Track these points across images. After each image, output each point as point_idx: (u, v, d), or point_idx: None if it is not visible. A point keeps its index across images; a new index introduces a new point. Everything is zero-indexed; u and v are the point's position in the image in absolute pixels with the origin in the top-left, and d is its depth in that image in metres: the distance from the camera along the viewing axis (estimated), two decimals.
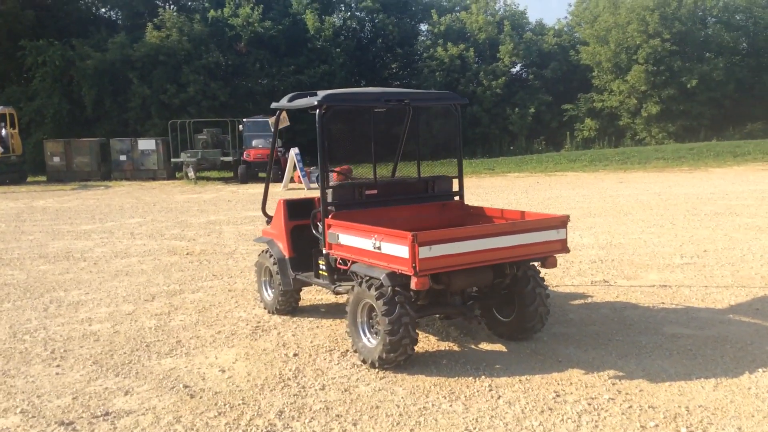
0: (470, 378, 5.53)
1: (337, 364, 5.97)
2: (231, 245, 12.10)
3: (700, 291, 7.89)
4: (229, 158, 26.71)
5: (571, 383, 5.34)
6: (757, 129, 36.33)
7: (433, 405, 5.04)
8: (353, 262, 6.04)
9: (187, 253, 11.42)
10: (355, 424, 4.79)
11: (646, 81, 35.03)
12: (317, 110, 6.36)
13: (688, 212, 14.09)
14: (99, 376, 5.87)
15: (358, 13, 40.43)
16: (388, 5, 39.83)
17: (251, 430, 4.76)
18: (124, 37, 35.68)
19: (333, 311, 7.63)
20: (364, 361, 5.87)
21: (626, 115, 36.58)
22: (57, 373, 5.98)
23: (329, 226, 6.30)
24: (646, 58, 34.90)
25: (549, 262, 6.04)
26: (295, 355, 6.24)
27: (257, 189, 23.02)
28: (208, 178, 28.43)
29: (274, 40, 37.83)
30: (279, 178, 25.23)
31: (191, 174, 26.13)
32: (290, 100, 6.98)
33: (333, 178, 22.99)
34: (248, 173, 25.72)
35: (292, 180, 23.41)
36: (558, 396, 5.10)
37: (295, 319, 7.36)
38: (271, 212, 7.83)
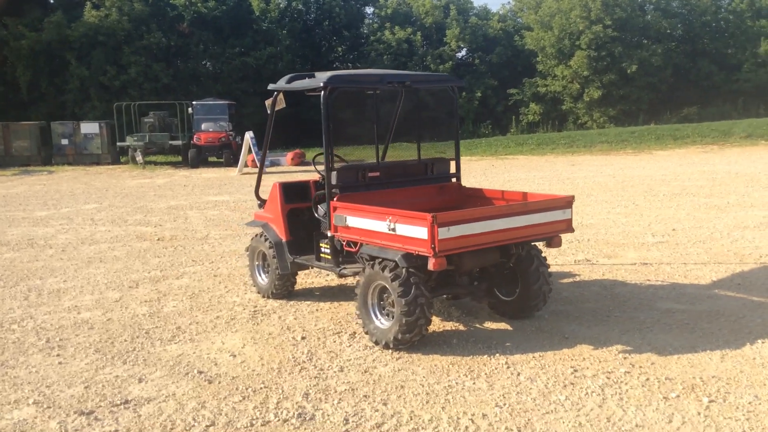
0: (485, 356, 5.62)
1: (349, 346, 5.98)
2: (202, 230, 11.89)
3: (681, 268, 8.20)
4: (178, 142, 26.12)
5: (584, 359, 5.50)
6: (693, 113, 37.67)
7: (456, 383, 5.11)
8: (362, 245, 6.05)
9: (158, 239, 11.17)
10: (385, 404, 4.82)
11: (589, 66, 35.85)
12: (322, 92, 6.30)
13: (647, 193, 14.56)
14: (106, 364, 5.72)
15: None
16: None
17: (282, 413, 4.73)
18: (60, 17, 34.35)
19: (328, 294, 7.62)
20: (376, 343, 5.89)
21: (569, 99, 37.39)
22: (60, 363, 5.80)
23: (335, 209, 6.27)
24: (589, 44, 35.70)
25: (555, 241, 6.18)
26: (303, 338, 6.22)
27: (210, 173, 22.66)
28: (155, 163, 27.74)
29: (218, 21, 37.09)
30: (232, 162, 24.84)
31: (139, 158, 25.46)
32: (288, 82, 6.90)
33: (287, 162, 22.67)
34: (199, 157, 25.21)
35: (246, 164, 23.07)
36: (576, 371, 5.24)
37: (292, 303, 7.31)
38: (261, 196, 7.75)
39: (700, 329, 6.08)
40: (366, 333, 6.04)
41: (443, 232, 5.34)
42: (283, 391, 5.10)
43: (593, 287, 7.56)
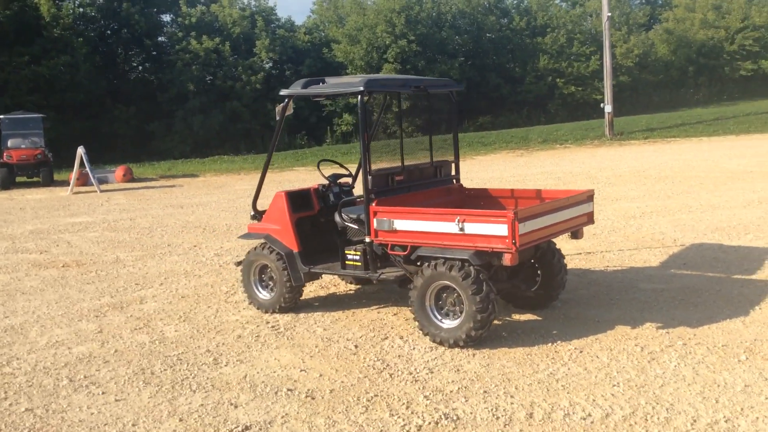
0: (548, 344, 5.94)
1: (413, 348, 5.98)
2: (103, 254, 10.84)
3: (621, 254, 9.14)
4: None
5: (636, 337, 6.03)
6: (487, 122, 41.08)
7: (554, 371, 5.37)
8: (415, 247, 6.08)
9: (63, 266, 10.01)
10: (512, 396, 4.95)
11: None
12: (359, 96, 6.26)
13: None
14: (174, 395, 5.19)
15: (99, 1, 37.30)
16: None
17: (423, 416, 4.68)
18: None
19: (329, 303, 7.47)
20: (441, 343, 5.95)
21: (378, 109, 38.82)
22: (117, 399, 5.16)
23: (375, 213, 6.23)
24: (395, 58, 37.46)
25: (580, 233, 6.68)
26: (356, 347, 6.10)
27: (36, 194, 20.41)
28: None
29: (1, 27, 33.40)
30: (50, 182, 22.53)
31: None
32: (304, 87, 6.74)
33: (117, 179, 21.10)
34: (10, 178, 22.47)
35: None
36: (642, 349, 5.74)
37: (302, 315, 7.06)
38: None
39: (699, 303, 6.90)
40: (426, 335, 6.07)
41: (522, 227, 5.59)
42: (398, 397, 5.03)
43: (568, 276, 8.15)
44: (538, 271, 6.83)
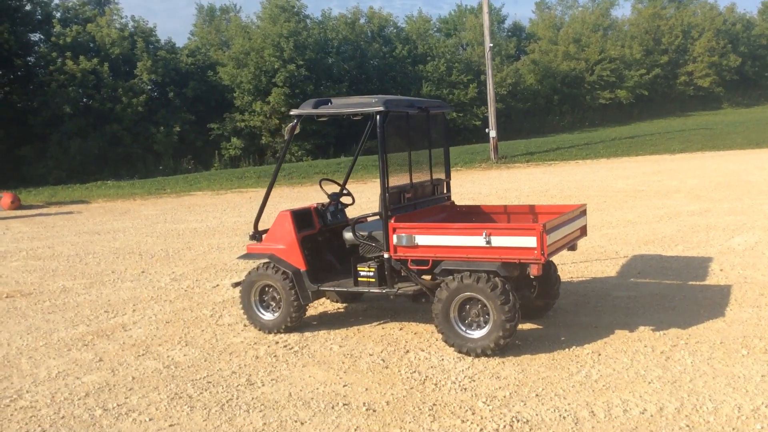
0: (566, 350, 6.30)
1: (441, 359, 6.15)
2: (42, 282, 10.17)
3: (577, 266, 9.73)
4: None
5: (640, 339, 6.50)
6: (373, 145, 41.65)
7: (589, 373, 5.72)
8: (438, 261, 6.28)
9: (7, 296, 9.31)
10: (564, 398, 5.24)
11: (285, 103, 37.49)
12: (378, 116, 6.42)
13: None
14: (230, 416, 5.07)
15: None
16: None
17: (498, 420, 4.86)
18: None
19: (326, 320, 7.47)
20: (467, 353, 6.16)
21: (267, 134, 38.59)
22: (170, 425, 4.99)
23: (395, 230, 6.38)
24: (284, 82, 37.40)
25: (575, 245, 7.12)
26: (384, 361, 6.19)
27: None
28: None
29: None
30: None
31: None
32: (315, 107, 6.81)
33: (4, 206, 19.87)
34: None
35: None
36: (653, 350, 6.22)
37: (308, 334, 7.04)
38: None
39: (675, 307, 7.52)
40: (451, 346, 6.26)
41: (549, 239, 5.94)
42: (457, 405, 5.18)
43: None
44: (534, 282, 7.21)
